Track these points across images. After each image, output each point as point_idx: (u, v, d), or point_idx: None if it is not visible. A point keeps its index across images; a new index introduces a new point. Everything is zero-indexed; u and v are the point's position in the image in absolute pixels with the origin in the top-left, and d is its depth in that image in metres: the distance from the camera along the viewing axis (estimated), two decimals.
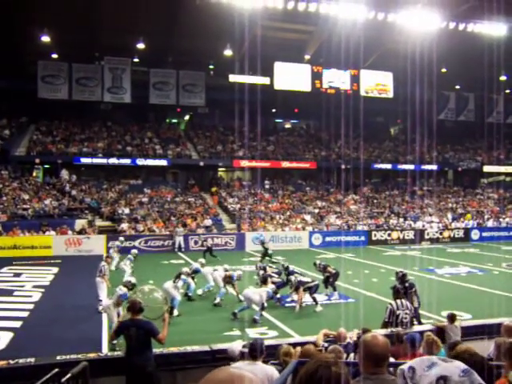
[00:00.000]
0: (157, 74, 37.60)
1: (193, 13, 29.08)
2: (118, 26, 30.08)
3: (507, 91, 43.68)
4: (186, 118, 43.75)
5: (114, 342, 9.13)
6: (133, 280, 11.12)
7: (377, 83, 40.03)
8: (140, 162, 34.28)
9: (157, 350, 7.02)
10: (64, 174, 32.69)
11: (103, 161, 33.59)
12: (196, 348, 7.88)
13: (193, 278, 15.41)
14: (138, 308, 6.69)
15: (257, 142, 36.80)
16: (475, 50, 31.77)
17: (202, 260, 16.99)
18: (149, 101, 37.47)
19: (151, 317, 6.89)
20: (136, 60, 36.42)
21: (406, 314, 8.51)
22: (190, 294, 15.15)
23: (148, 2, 28.59)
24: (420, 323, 10.44)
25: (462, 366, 1.63)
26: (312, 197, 36.57)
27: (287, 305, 14.42)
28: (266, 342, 8.29)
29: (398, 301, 8.60)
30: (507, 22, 31.30)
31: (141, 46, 32.83)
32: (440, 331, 7.49)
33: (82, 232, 27.22)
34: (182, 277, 14.00)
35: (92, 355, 6.81)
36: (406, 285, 11.07)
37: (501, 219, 35.92)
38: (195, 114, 42.50)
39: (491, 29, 31.74)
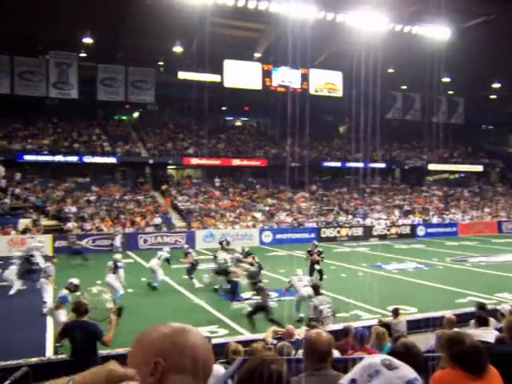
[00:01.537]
0: (105, 69, 36.79)
1: (142, 9, 28.61)
2: (62, 20, 29.13)
3: (450, 92, 45.15)
4: (136, 115, 43.04)
5: (58, 344, 8.87)
6: (75, 281, 10.74)
7: (326, 82, 40.59)
8: (88, 159, 33.45)
9: (104, 352, 6.87)
10: (0, 170, 31.37)
11: (49, 158, 32.58)
12: None
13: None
14: (84, 309, 6.51)
15: (207, 140, 36.60)
16: (420, 51, 32.72)
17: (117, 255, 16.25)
18: (97, 97, 36.63)
19: (98, 318, 6.72)
20: (83, 55, 35.48)
21: (329, 307, 8.77)
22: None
23: None
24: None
25: (407, 376, 1.62)
26: (262, 194, 36.72)
27: (237, 302, 14.39)
28: (215, 341, 8.28)
29: (320, 297, 8.86)
30: (450, 26, 32.34)
31: (88, 40, 32.02)
32: (385, 327, 7.64)
33: (25, 232, 26.34)
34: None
35: (34, 359, 6.59)
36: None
37: (445, 215, 37.13)
38: (145, 111, 41.87)
39: (435, 32, 32.72)
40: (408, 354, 2.44)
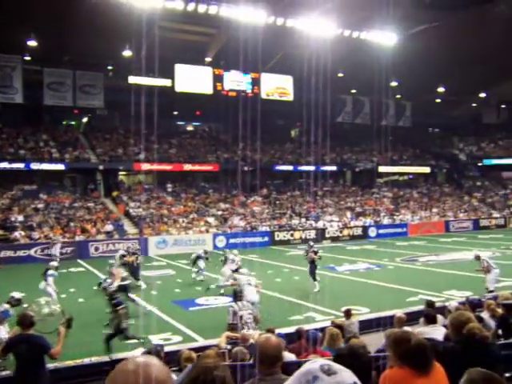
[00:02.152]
0: (51, 73, 35.81)
1: (88, 11, 27.97)
2: (4, 21, 28.16)
3: (398, 96, 46.34)
4: (85, 120, 42.11)
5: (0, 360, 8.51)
6: (17, 295, 10.24)
7: (277, 86, 40.88)
8: (35, 166, 32.42)
9: (51, 365, 6.64)
10: None
11: None
12: (95, 359, 7.57)
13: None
14: (29, 322, 6.24)
15: (158, 145, 36.20)
16: (369, 56, 33.40)
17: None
18: (43, 102, 35.59)
19: (45, 331, 6.47)
20: (27, 58, 34.39)
21: (249, 313, 8.70)
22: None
23: None
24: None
25: (346, 381, 1.62)
26: (215, 199, 36.60)
27: (191, 308, 14.27)
28: (169, 348, 8.17)
29: (239, 302, 8.79)
30: (397, 32, 33.22)
31: (32, 43, 31.04)
32: (338, 328, 7.71)
33: None
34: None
35: None
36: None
37: (395, 216, 38.02)
38: (94, 116, 41.04)
39: (383, 38, 33.52)
40: (352, 357, 2.46)
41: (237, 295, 9.13)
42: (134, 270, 17.71)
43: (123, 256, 18.28)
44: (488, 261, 14.70)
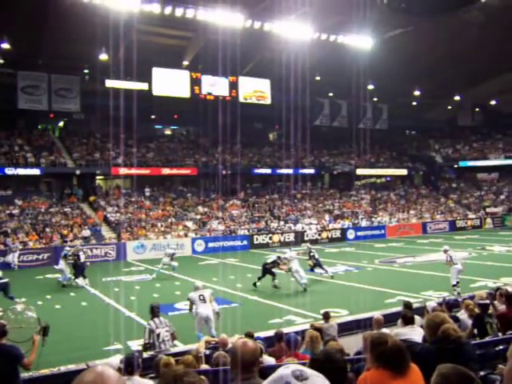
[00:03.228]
0: (26, 77, 35.28)
1: (63, 14, 27.69)
2: None
3: (375, 99, 46.81)
4: (60, 124, 41.61)
5: None
6: None
7: (255, 90, 40.94)
8: (9, 171, 31.88)
9: (26, 375, 6.51)
10: None
11: None
12: (71, 367, 7.46)
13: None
14: (1, 331, 6.09)
15: (136, 149, 35.94)
16: (346, 60, 33.76)
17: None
18: (17, 105, 35.03)
19: (18, 340, 6.32)
20: (1, 61, 33.82)
21: (166, 331, 8.41)
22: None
23: None
24: None
25: None
26: (193, 203, 36.46)
27: (170, 313, 14.16)
28: (146, 354, 8.08)
29: (156, 319, 8.44)
30: (372, 36, 33.58)
31: (5, 46, 30.53)
32: (317, 331, 7.74)
33: None
34: None
35: None
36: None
37: (373, 218, 38.32)
38: (70, 120, 40.55)
39: (359, 41, 33.84)
40: (328, 362, 2.46)
41: (154, 311, 8.69)
42: (76, 270, 19.50)
43: (65, 256, 19.71)
44: (452, 256, 15.90)
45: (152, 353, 7.71)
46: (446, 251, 16.22)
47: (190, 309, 11.50)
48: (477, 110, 53.37)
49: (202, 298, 11.34)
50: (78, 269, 19.47)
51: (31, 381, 6.53)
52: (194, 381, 1.91)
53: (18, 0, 26.64)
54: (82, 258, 19.80)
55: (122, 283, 19.34)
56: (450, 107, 51.42)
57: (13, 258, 25.12)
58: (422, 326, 6.33)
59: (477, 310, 7.85)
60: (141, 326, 12.75)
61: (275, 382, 1.60)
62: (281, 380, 1.59)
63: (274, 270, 17.95)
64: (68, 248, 21.07)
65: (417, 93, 44.69)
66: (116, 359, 6.61)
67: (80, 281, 19.49)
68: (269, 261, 18.16)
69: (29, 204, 31.64)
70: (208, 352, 7.33)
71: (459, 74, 38.65)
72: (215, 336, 10.65)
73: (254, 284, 17.79)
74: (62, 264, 19.61)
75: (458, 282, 15.49)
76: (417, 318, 7.12)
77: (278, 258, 18.10)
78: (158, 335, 8.18)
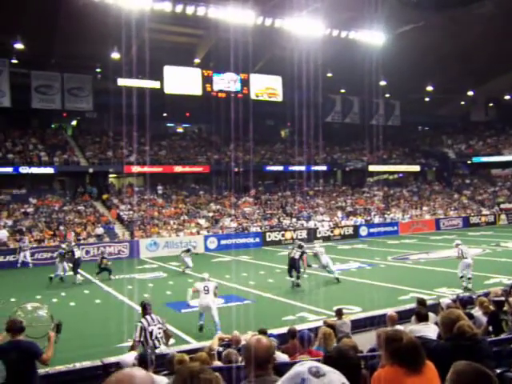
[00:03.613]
0: (39, 76, 35.57)
1: (75, 13, 27.85)
2: None
3: (387, 95, 46.54)
4: (73, 123, 41.90)
5: None
6: None
7: (266, 87, 40.90)
8: (23, 170, 32.18)
9: (42, 371, 6.58)
10: None
11: None
12: (86, 364, 7.52)
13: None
14: (19, 327, 6.15)
15: (148, 147, 36.07)
16: (357, 56, 33.55)
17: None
18: (31, 105, 35.32)
19: (35, 336, 6.39)
20: (15, 61, 34.13)
21: (159, 328, 8.28)
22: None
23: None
24: None
25: (334, 382, 1.62)
26: (206, 201, 36.54)
27: (183, 310, 14.22)
28: (161, 351, 8.12)
29: (148, 317, 8.31)
30: (384, 31, 33.36)
31: (19, 46, 30.81)
32: (330, 327, 7.73)
33: None
34: None
35: None
36: None
37: (386, 215, 38.14)
38: (83, 118, 40.83)
39: (371, 37, 33.63)
40: (341, 359, 2.46)
41: (145, 308, 8.63)
42: (73, 265, 20.19)
43: (60, 254, 20.56)
44: (463, 250, 16.07)
45: (133, 352, 7.64)
46: (457, 245, 16.42)
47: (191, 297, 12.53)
48: (490, 104, 52.85)
49: (206, 289, 12.05)
50: (74, 265, 20.12)
51: (47, 377, 6.60)
52: (210, 377, 1.92)
53: (31, 0, 26.84)
54: (77, 254, 20.53)
55: (135, 281, 19.46)
56: (462, 102, 50.97)
57: (25, 257, 25.32)
58: (436, 323, 6.30)
59: (491, 307, 7.79)
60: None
61: (292, 379, 1.60)
62: (298, 377, 1.60)
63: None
64: (64, 246, 21.63)
65: (429, 88, 44.35)
66: (131, 356, 6.65)
67: (78, 277, 19.99)
68: (296, 256, 17.64)
69: (43, 202, 31.92)
70: (221, 349, 7.35)
71: (472, 69, 38.29)
72: (218, 323, 11.60)
73: (298, 285, 17.21)
74: (56, 262, 20.61)
75: (469, 278, 15.63)
76: (431, 315, 7.08)
77: (303, 252, 17.83)
78: (151, 333, 8.10)
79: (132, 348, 7.92)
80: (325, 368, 1.65)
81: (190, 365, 2.04)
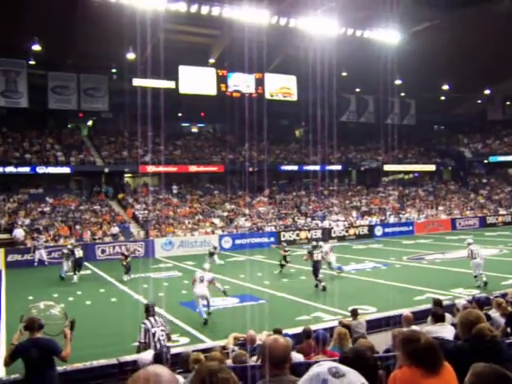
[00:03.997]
0: (56, 77, 35.94)
1: (91, 14, 28.07)
2: (7, 25, 28.21)
3: (402, 94, 46.23)
4: (89, 123, 42.23)
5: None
6: None
7: (281, 87, 40.87)
8: (40, 169, 32.53)
9: (60, 368, 6.65)
10: None
11: None
12: (102, 362, 7.59)
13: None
14: (38, 325, 6.22)
15: (163, 147, 36.25)
16: (372, 55, 33.35)
17: None
18: (48, 106, 35.73)
19: (52, 333, 6.47)
20: (32, 62, 34.50)
21: (162, 330, 8.30)
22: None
23: (40, 1, 27.15)
24: None
25: (354, 382, 1.62)
26: (220, 200, 36.62)
27: (198, 310, 14.26)
28: (176, 350, 8.16)
29: (151, 318, 8.33)
30: (399, 30, 33.14)
31: (36, 47, 31.15)
32: (346, 328, 7.70)
33: None
34: None
35: None
36: None
37: (401, 215, 37.91)
38: (99, 119, 41.14)
39: (386, 36, 33.44)
40: (358, 360, 2.45)
41: (149, 310, 8.66)
42: (73, 265, 20.68)
43: (63, 254, 21.55)
44: (473, 250, 16.28)
45: (150, 350, 7.67)
46: (469, 244, 16.61)
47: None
48: (508, 103, 52.17)
49: (201, 278, 13.29)
50: (74, 265, 20.59)
51: (65, 374, 6.67)
52: (228, 377, 1.94)
53: (48, 2, 27.11)
54: (77, 254, 20.67)
55: (150, 280, 19.56)
56: (479, 101, 50.46)
57: (41, 255, 25.56)
58: (452, 324, 6.25)
59: (509, 309, 7.71)
60: (169, 322, 12.92)
61: (312, 380, 1.61)
62: (318, 377, 1.60)
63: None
64: (69, 246, 21.93)
65: (445, 87, 43.98)
66: (148, 355, 6.69)
67: (75, 277, 20.29)
68: (319, 257, 17.49)
69: (59, 202, 32.22)
70: (236, 348, 7.37)
71: (489, 67, 37.86)
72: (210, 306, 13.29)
73: (324, 288, 16.72)
74: (63, 261, 21.26)
75: (480, 274, 15.93)
76: (447, 315, 7.03)
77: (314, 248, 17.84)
78: (154, 334, 8.13)
79: (139, 349, 7.97)
80: (344, 368, 1.66)
81: (209, 363, 2.05)
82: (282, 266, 21.06)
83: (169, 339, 8.62)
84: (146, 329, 8.12)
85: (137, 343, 8.26)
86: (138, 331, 8.18)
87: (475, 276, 15.93)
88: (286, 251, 21.38)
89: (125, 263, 20.23)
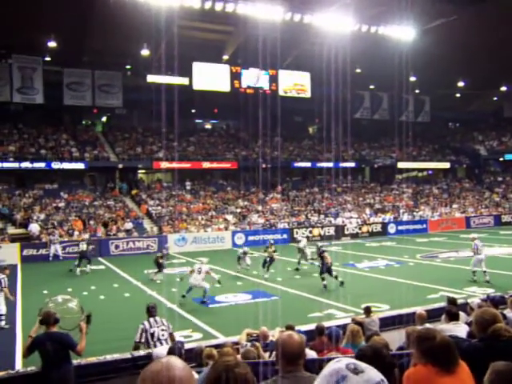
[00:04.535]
0: (71, 73, 36.20)
1: (106, 11, 28.21)
2: (24, 23, 28.49)
3: (417, 91, 45.88)
4: (104, 119, 42.49)
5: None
6: None
7: (295, 83, 40.77)
8: (55, 165, 32.82)
9: (74, 361, 6.73)
10: None
11: (15, 165, 31.81)
12: (116, 356, 7.64)
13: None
14: (54, 319, 6.32)
15: (177, 143, 36.38)
16: (387, 51, 33.11)
17: None
18: (63, 102, 36.00)
19: (68, 328, 6.55)
20: (48, 59, 34.80)
21: (163, 330, 8.24)
22: None
23: None
24: None
25: (373, 378, 1.63)
26: (234, 196, 36.68)
27: (211, 306, 14.34)
28: (190, 346, 8.20)
29: (151, 319, 8.30)
30: (414, 26, 32.86)
31: (52, 44, 31.39)
32: (359, 325, 7.69)
33: None
34: None
35: (2, 373, 6.38)
36: None
37: (414, 213, 37.68)
38: (113, 115, 41.36)
39: (400, 32, 33.18)
40: (375, 357, 2.45)
41: (150, 311, 8.66)
42: (85, 256, 21.44)
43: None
44: (478, 246, 16.65)
45: (149, 350, 7.70)
46: (474, 239, 16.86)
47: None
48: None
49: (199, 270, 14.84)
50: (79, 258, 21.39)
51: (79, 368, 6.74)
52: (244, 372, 1.95)
53: (64, 0, 27.28)
54: (81, 247, 21.67)
55: (163, 275, 19.66)
56: (495, 98, 49.92)
57: (56, 250, 25.81)
58: (467, 323, 6.22)
59: None
60: (182, 318, 13.03)
61: (331, 376, 1.61)
62: (337, 374, 1.60)
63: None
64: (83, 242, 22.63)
65: (460, 84, 43.56)
66: (163, 349, 6.75)
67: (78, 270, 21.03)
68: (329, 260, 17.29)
69: (74, 197, 32.49)
70: (249, 344, 7.39)
71: (505, 64, 37.41)
72: (207, 290, 14.80)
73: (342, 283, 16.78)
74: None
75: (484, 271, 16.31)
76: (461, 314, 6.99)
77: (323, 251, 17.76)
78: (152, 334, 8.13)
79: (134, 349, 8.02)
80: (362, 365, 1.66)
81: (225, 359, 2.06)
82: (299, 263, 21.38)
83: (172, 340, 8.63)
84: (143, 329, 8.14)
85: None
86: (135, 331, 8.18)
87: (473, 271, 16.45)
88: (274, 251, 20.37)
89: (160, 261, 19.26)
